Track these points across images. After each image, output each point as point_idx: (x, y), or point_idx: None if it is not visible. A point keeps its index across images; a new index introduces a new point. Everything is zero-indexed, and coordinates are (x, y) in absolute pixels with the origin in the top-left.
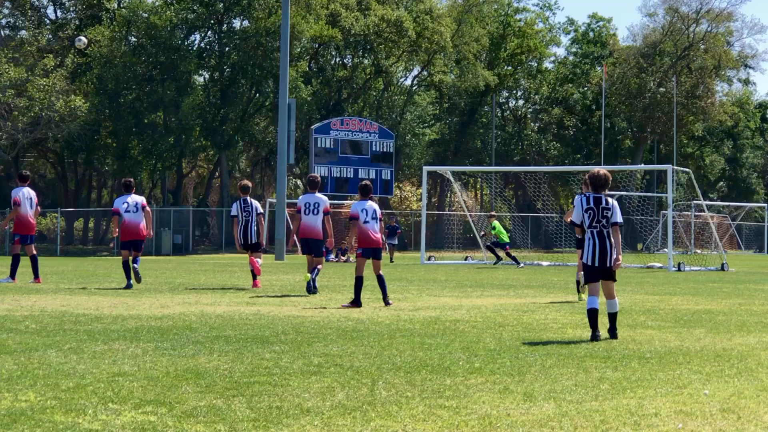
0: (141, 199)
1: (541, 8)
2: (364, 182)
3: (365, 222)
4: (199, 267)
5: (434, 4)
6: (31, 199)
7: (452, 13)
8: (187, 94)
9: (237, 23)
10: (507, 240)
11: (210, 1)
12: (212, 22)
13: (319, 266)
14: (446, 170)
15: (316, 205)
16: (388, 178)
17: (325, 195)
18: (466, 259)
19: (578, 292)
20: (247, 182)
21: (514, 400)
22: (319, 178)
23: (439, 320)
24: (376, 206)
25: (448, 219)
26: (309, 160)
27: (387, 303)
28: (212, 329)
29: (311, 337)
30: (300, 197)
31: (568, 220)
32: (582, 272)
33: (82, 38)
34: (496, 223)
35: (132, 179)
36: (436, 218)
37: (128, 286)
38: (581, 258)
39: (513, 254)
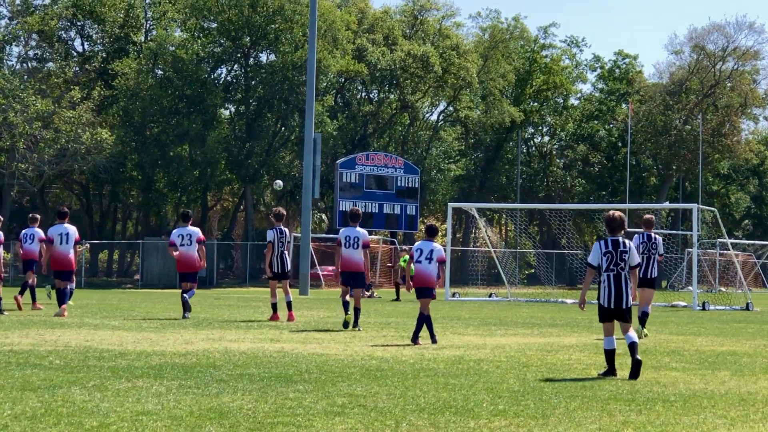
0: (197, 232)
1: (567, 45)
2: (429, 223)
3: (417, 261)
4: (223, 302)
5: (461, 39)
6: (67, 235)
7: (479, 48)
8: (213, 128)
9: (264, 57)
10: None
11: (237, 35)
12: (239, 55)
13: (358, 306)
14: (471, 207)
15: (356, 239)
16: (413, 213)
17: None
18: (490, 296)
19: (642, 326)
20: (282, 210)
21: None
22: (360, 212)
23: (463, 360)
24: (435, 247)
25: (472, 255)
26: (334, 194)
27: (414, 341)
28: (236, 367)
29: (335, 376)
30: (341, 230)
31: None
32: (649, 306)
33: (279, 182)
34: (407, 257)
35: (189, 210)
36: (460, 254)
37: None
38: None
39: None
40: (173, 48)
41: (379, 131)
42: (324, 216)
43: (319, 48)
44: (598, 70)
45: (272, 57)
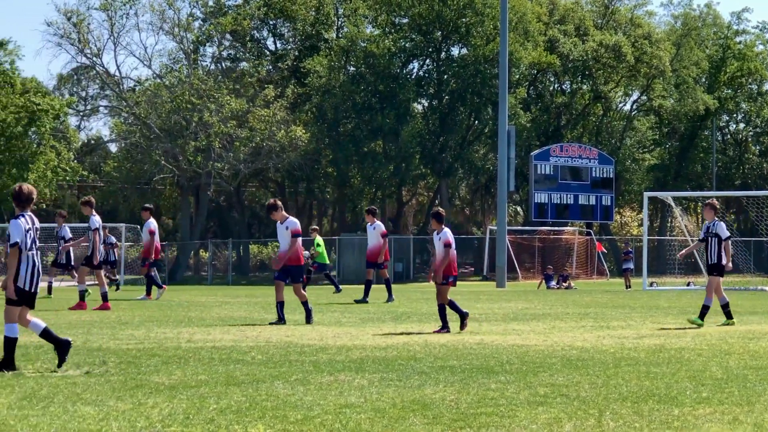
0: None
1: (761, 30)
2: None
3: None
4: (421, 295)
5: (653, 28)
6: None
7: (671, 37)
8: (407, 122)
9: (455, 51)
10: (327, 261)
11: (428, 29)
12: (430, 50)
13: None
14: (667, 196)
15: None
16: (609, 203)
17: (545, 221)
18: (688, 284)
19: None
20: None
21: (744, 431)
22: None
23: (664, 348)
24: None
25: (669, 244)
26: (529, 186)
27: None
28: (437, 359)
29: (536, 366)
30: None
31: None
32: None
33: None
34: (319, 239)
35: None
36: (656, 244)
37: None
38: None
39: (333, 276)
40: (364, 44)
41: (572, 122)
42: (519, 208)
43: (510, 40)
44: None
45: (464, 50)
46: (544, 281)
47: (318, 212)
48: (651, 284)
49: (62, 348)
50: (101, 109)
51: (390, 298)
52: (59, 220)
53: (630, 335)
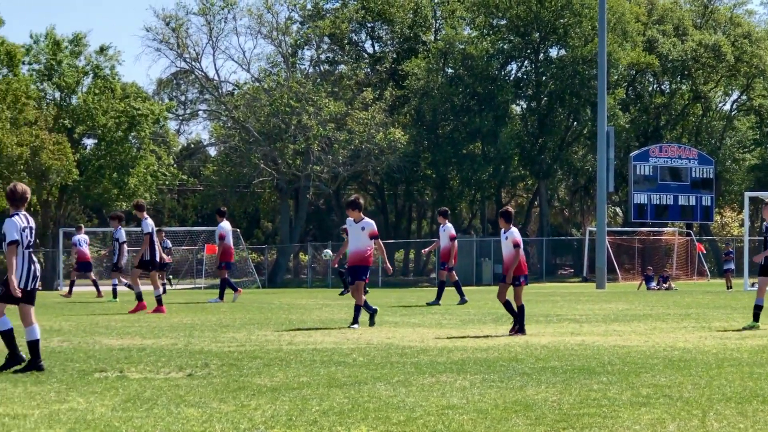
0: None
1: None
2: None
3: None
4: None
5: (753, 27)
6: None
7: None
8: (505, 124)
9: (553, 52)
10: None
11: (526, 30)
12: (528, 51)
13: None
14: None
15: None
16: (708, 204)
17: (645, 222)
18: (753, 285)
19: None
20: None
21: None
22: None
23: (766, 349)
24: None
25: None
26: (628, 187)
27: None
28: (538, 360)
29: (638, 367)
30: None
31: None
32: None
33: (328, 251)
34: None
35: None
36: (757, 244)
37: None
38: None
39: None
40: (462, 46)
41: (671, 122)
42: (618, 209)
43: (608, 41)
44: None
45: (562, 51)
46: (644, 282)
47: (417, 214)
48: (752, 285)
49: (13, 360)
50: (200, 113)
51: (462, 300)
52: (114, 222)
53: (732, 336)
